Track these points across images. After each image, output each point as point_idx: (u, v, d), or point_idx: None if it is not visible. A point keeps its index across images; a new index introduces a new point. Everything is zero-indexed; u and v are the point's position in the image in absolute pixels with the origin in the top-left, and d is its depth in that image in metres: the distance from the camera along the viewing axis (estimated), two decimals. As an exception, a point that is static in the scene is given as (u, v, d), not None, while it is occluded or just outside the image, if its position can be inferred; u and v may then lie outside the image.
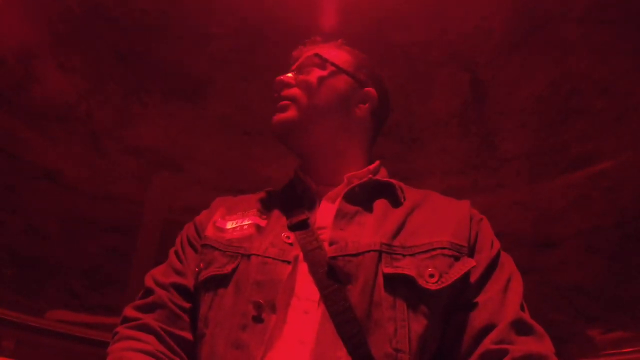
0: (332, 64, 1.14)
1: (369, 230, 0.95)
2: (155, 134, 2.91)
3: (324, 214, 1.02)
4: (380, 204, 1.02)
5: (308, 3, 2.64)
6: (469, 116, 2.94)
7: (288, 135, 1.11)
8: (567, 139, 2.73)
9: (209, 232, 1.05)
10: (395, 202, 1.03)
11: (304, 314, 0.86)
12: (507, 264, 0.96)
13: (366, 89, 1.18)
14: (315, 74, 1.12)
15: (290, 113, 1.10)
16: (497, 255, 0.96)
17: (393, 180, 1.09)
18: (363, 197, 1.03)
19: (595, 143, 2.67)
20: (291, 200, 1.09)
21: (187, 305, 1.00)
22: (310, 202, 1.06)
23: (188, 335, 0.97)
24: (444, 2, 2.70)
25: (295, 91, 1.11)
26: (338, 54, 1.18)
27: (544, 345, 0.85)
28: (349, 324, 0.83)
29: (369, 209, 1.01)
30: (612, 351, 2.39)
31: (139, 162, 2.90)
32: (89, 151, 2.77)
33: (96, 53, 2.70)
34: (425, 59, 2.91)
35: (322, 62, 1.14)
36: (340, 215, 0.99)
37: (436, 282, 0.86)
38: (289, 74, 1.14)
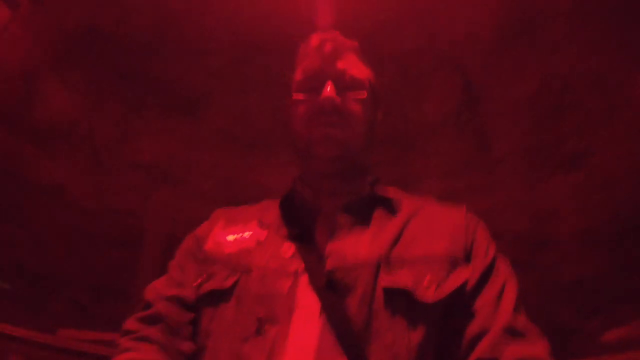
0: (369, 90, 1.10)
1: (366, 242, 0.95)
2: (156, 149, 2.95)
3: (323, 225, 1.02)
4: (377, 216, 1.02)
5: (301, 15, 2.68)
6: (463, 118, 2.97)
7: (333, 154, 1.05)
8: (561, 136, 2.76)
9: (209, 245, 1.05)
10: (392, 213, 1.03)
11: (306, 324, 0.87)
12: (503, 269, 0.96)
13: (381, 111, 1.17)
14: (358, 102, 1.07)
15: (343, 134, 1.04)
16: (492, 262, 0.96)
17: (389, 192, 1.09)
18: (361, 209, 1.03)
19: (589, 139, 2.70)
20: (291, 212, 1.08)
21: (186, 318, 1.00)
22: (309, 214, 1.06)
23: (187, 347, 0.97)
24: (432, 10, 2.75)
25: (344, 114, 1.05)
26: (366, 72, 1.13)
27: (538, 348, 0.86)
28: (348, 334, 0.84)
29: (366, 220, 1.01)
30: (613, 346, 2.39)
31: (140, 177, 2.92)
32: (91, 167, 2.80)
33: (96, 71, 2.75)
34: (418, 65, 2.95)
35: (360, 86, 1.09)
36: (338, 227, 0.99)
37: (434, 292, 0.88)
38: (333, 90, 1.05)
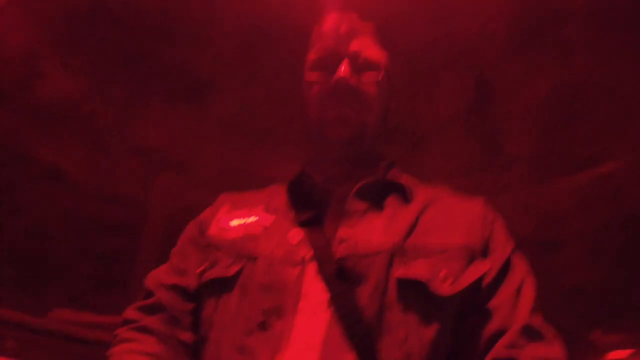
0: (384, 73, 1.08)
1: (379, 229, 0.91)
2: (159, 135, 2.92)
3: (333, 211, 0.98)
4: (390, 202, 0.98)
5: (311, 4, 2.64)
6: (474, 118, 2.94)
7: (346, 136, 1.03)
8: (572, 141, 2.74)
9: (213, 230, 1.02)
10: (407, 201, 0.99)
11: (313, 316, 0.84)
12: (520, 265, 0.93)
13: (394, 97, 1.14)
14: (372, 84, 1.05)
15: (357, 116, 1.02)
16: (510, 257, 0.93)
17: (403, 178, 1.05)
18: (373, 194, 0.99)
19: (600, 145, 2.68)
20: (299, 197, 1.04)
21: (188, 307, 0.98)
22: (318, 199, 1.02)
23: (188, 337, 0.95)
24: (448, 5, 2.71)
25: (359, 95, 1.04)
26: (382, 55, 1.11)
27: (555, 350, 0.84)
28: (358, 327, 0.80)
29: (379, 207, 0.97)
30: (616, 353, 2.39)
31: (142, 163, 2.90)
32: (92, 151, 2.78)
33: (100, 53, 2.71)
34: (430, 61, 2.91)
35: (376, 67, 1.07)
36: (350, 212, 0.95)
37: (450, 285, 0.84)
38: (348, 70, 1.03)
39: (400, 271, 0.85)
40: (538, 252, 2.74)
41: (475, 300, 0.87)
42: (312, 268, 0.89)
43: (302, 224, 0.96)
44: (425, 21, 2.77)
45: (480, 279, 0.88)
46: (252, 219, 1.00)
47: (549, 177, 2.81)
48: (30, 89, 2.57)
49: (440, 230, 0.92)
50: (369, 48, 1.08)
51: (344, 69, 1.02)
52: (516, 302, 0.87)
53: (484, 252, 0.92)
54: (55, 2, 2.53)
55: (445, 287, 0.84)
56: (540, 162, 2.83)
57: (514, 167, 2.88)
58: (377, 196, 0.99)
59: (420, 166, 2.95)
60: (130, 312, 0.98)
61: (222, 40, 2.80)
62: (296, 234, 0.94)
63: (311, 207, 1.00)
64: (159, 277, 1.02)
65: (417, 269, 0.85)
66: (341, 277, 0.86)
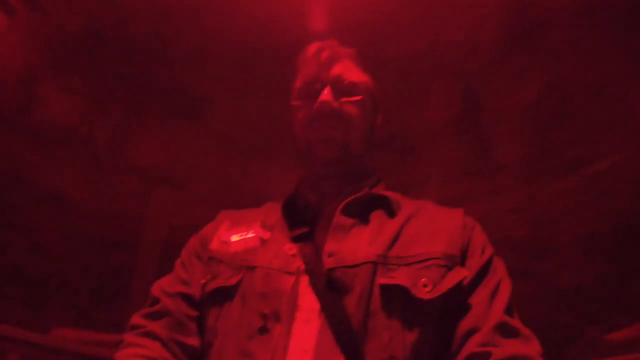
0: (366, 94, 1.14)
1: (365, 242, 0.97)
2: (155, 153, 2.95)
3: (324, 227, 1.03)
4: (376, 216, 1.04)
5: (301, 20, 2.69)
6: (464, 125, 2.98)
7: (333, 156, 1.08)
8: (561, 143, 2.77)
9: (214, 245, 1.07)
10: (391, 214, 1.05)
11: (306, 323, 0.89)
12: (499, 270, 0.97)
13: (380, 116, 1.21)
14: (354, 106, 1.11)
15: (342, 136, 1.08)
16: (488, 262, 0.97)
17: (388, 193, 1.11)
18: (360, 209, 1.05)
19: (589, 147, 2.70)
20: (293, 214, 1.10)
21: (193, 313, 1.02)
22: (311, 216, 1.08)
23: (194, 342, 0.99)
24: (434, 15, 2.76)
25: (342, 117, 1.09)
26: (363, 77, 1.17)
27: (530, 346, 0.87)
28: (346, 333, 0.86)
29: (365, 221, 1.03)
30: (613, 352, 2.39)
31: (139, 180, 2.93)
32: (91, 171, 2.81)
33: (96, 75, 2.76)
34: (418, 70, 2.96)
35: (357, 90, 1.13)
36: (337, 227, 1.01)
37: (429, 291, 0.89)
38: (329, 94, 1.09)
39: (383, 279, 0.90)
40: (531, 254, 2.76)
41: (454, 303, 0.91)
42: (305, 279, 0.94)
43: (295, 240, 1.01)
44: (413, 31, 2.82)
45: (460, 284, 0.92)
46: (250, 234, 1.06)
47: (540, 179, 2.84)
48: (29, 112, 2.61)
49: (421, 240, 0.97)
50: (349, 72, 1.14)
51: (325, 93, 1.08)
52: (491, 303, 0.91)
53: (463, 257, 0.96)
54: (51, 28, 2.58)
55: (425, 293, 0.89)
56: (531, 165, 2.86)
57: (506, 171, 2.91)
58: (362, 211, 1.05)
59: (413, 173, 2.98)
60: (136, 319, 1.02)
61: (216, 59, 2.85)
62: (292, 247, 1.00)
63: (303, 223, 1.05)
64: (164, 286, 1.06)
65: (399, 277, 0.90)
66: (330, 288, 0.91)
